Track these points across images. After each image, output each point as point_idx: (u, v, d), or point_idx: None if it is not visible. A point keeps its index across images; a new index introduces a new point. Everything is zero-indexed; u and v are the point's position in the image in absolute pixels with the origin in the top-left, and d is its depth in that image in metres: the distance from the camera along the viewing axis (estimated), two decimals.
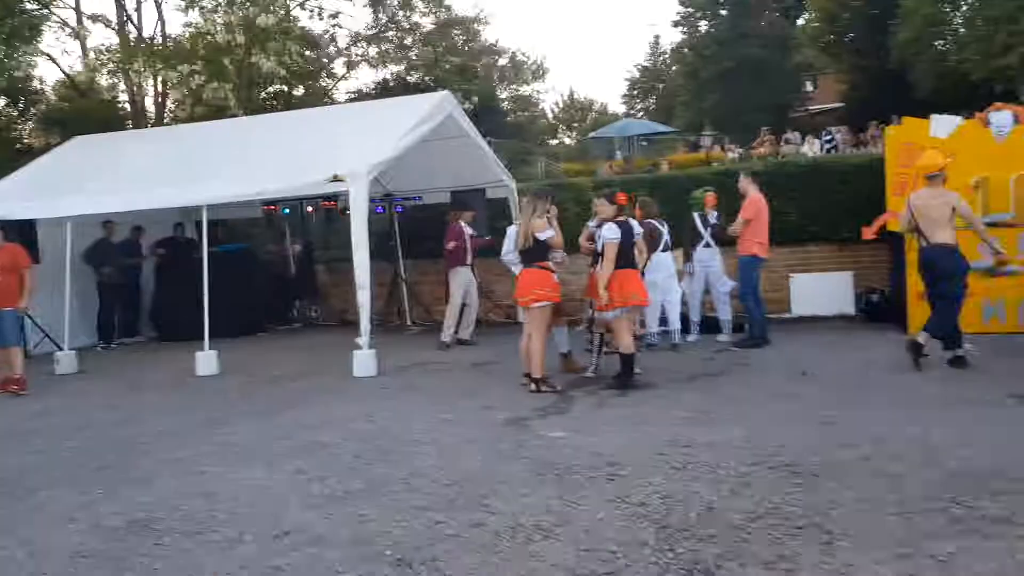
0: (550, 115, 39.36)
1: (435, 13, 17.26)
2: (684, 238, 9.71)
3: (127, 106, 15.07)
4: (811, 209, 11.31)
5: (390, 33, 16.93)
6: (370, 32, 17.19)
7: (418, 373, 8.81)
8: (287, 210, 13.00)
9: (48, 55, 13.91)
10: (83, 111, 13.92)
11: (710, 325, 9.87)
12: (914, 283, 8.72)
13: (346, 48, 16.98)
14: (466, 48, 17.19)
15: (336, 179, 8.79)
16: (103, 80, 14.28)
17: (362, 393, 7.91)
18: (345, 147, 9.38)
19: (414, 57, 16.61)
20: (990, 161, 9.19)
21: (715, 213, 9.69)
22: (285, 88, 16.47)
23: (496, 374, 8.49)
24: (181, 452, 5.96)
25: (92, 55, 12.52)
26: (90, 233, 11.80)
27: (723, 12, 31.71)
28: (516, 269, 7.88)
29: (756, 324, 9.22)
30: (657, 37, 45.97)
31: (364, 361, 8.69)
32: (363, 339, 8.71)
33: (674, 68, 43.06)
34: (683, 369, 8.09)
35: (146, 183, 10.19)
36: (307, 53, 14.57)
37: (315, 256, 13.82)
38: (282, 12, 12.58)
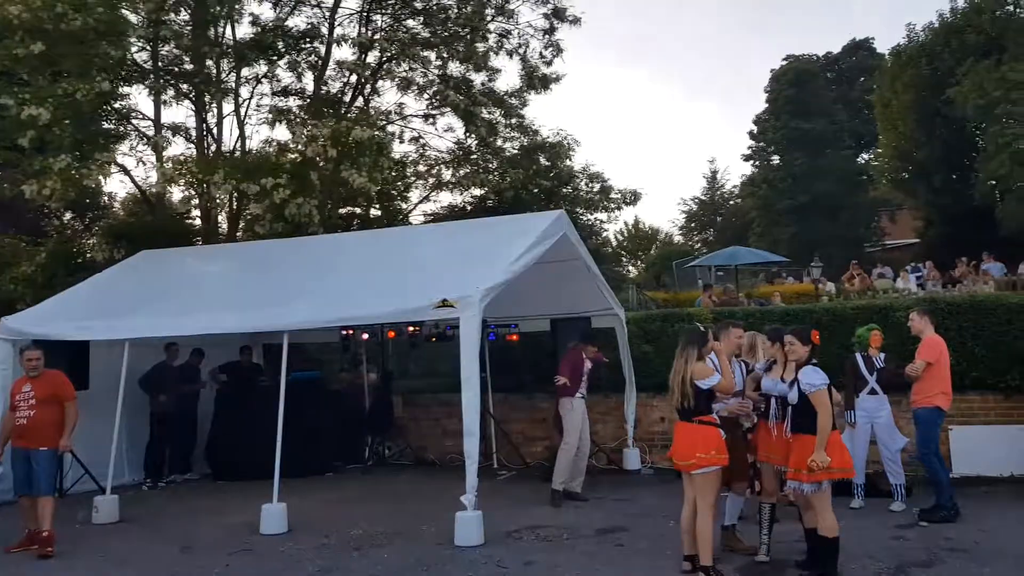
0: (614, 242, 38.70)
1: (522, 138, 16.56)
2: (846, 383, 8.19)
3: (199, 222, 14.28)
4: (970, 352, 9.75)
5: (474, 156, 16.15)
6: (453, 156, 16.44)
7: (534, 543, 7.20)
8: (366, 335, 11.78)
9: (122, 166, 13.19)
10: (152, 226, 13.08)
11: (869, 488, 8.26)
12: None
13: (428, 170, 16.20)
14: (552, 173, 16.26)
15: (445, 304, 7.53)
16: (177, 193, 13.56)
17: (474, 572, 6.33)
18: (453, 269, 8.18)
19: (497, 180, 15.71)
20: None
21: (881, 355, 8.21)
22: (359, 210, 15.68)
23: (634, 548, 6.85)
24: None
25: (169, 164, 11.67)
26: (147, 356, 10.64)
27: (796, 148, 31.11)
28: None
29: (945, 490, 7.53)
30: (715, 172, 45.65)
31: (469, 526, 7.13)
32: (469, 498, 7.18)
33: (736, 201, 42.55)
34: (874, 553, 6.39)
35: (220, 304, 9.05)
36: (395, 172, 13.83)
37: (392, 386, 12.46)
38: (377, 130, 11.83)
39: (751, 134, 34.93)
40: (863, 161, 33.87)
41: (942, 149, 30.03)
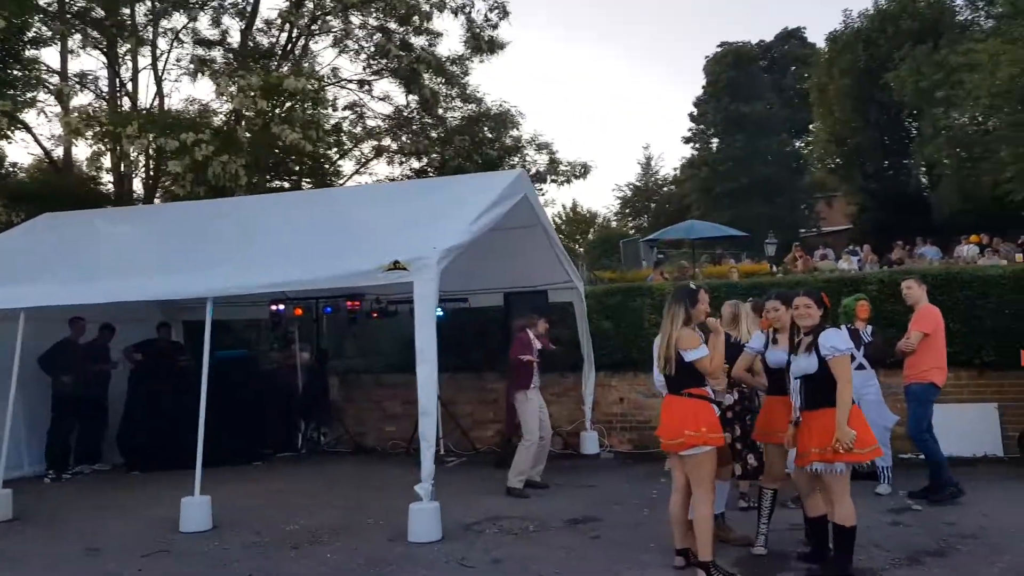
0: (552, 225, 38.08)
1: (465, 107, 15.60)
2: None
3: (111, 186, 12.87)
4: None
5: (415, 126, 15.11)
6: (392, 122, 15.35)
7: (498, 537, 6.35)
8: (298, 310, 10.71)
9: (23, 123, 11.71)
10: (57, 188, 11.68)
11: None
12: None
13: (366, 135, 15.04)
14: (496, 144, 15.34)
15: (396, 267, 6.59)
16: (85, 148, 12.08)
17: (435, 574, 5.45)
18: (404, 230, 7.24)
19: (439, 151, 14.74)
20: None
21: (869, 327, 7.64)
22: (292, 176, 14.48)
23: (612, 540, 6.08)
24: None
25: (75, 115, 10.33)
26: (49, 332, 9.39)
27: (738, 131, 30.90)
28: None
29: (944, 469, 6.98)
30: (649, 158, 45.40)
31: (425, 519, 6.24)
32: (425, 487, 6.28)
33: (671, 188, 42.38)
34: (879, 541, 5.75)
35: (132, 269, 7.89)
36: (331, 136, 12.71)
37: (328, 367, 11.41)
38: (313, 80, 10.69)
39: (692, 116, 34.64)
40: (800, 146, 33.94)
41: (877, 135, 30.31)
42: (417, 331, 6.51)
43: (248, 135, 10.55)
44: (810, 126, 33.73)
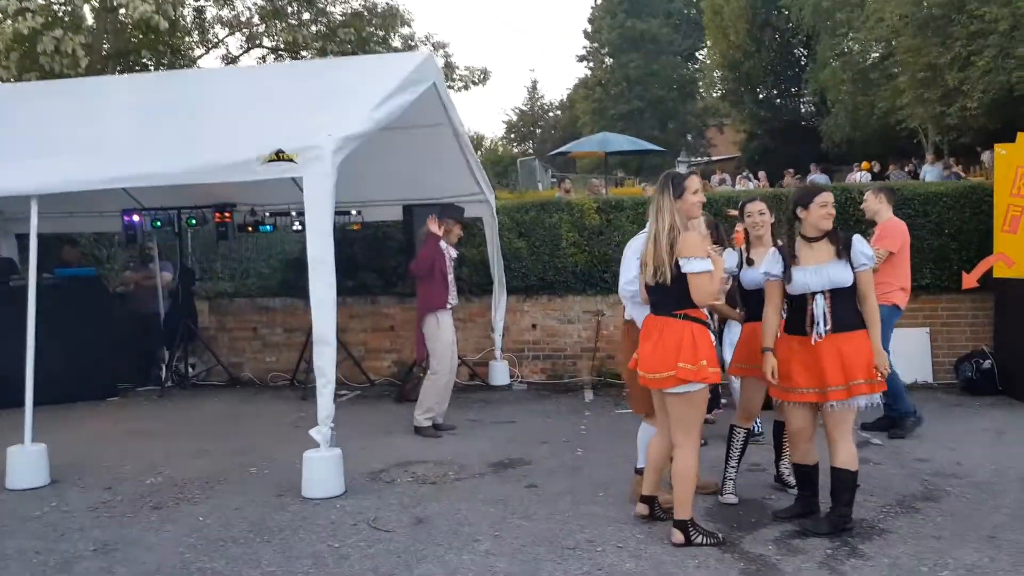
0: None
1: (350, 1, 13.88)
2: None
3: None
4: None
5: (291, 11, 13.28)
6: (264, 9, 13.45)
7: (413, 487, 5.25)
8: (158, 222, 9.06)
9: None
10: None
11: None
12: None
13: (234, 20, 13.09)
14: (385, 44, 13.73)
15: (280, 158, 5.22)
16: None
17: (341, 541, 4.30)
18: (290, 116, 5.82)
19: (319, 47, 13.05)
20: None
21: None
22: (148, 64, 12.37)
23: (550, 490, 5.09)
24: None
25: None
26: None
27: (633, 51, 29.93)
28: (635, 312, 4.52)
29: (900, 399, 6.34)
30: (535, 82, 44.26)
31: (324, 470, 5.05)
32: (323, 431, 5.06)
33: (556, 114, 41.36)
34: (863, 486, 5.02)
35: None
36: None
37: (195, 289, 9.83)
38: None
39: (586, 33, 33.36)
40: (694, 68, 33.40)
41: (770, 61, 30.11)
42: (309, 240, 5.21)
43: (89, 5, 8.62)
44: (703, 49, 33.19)
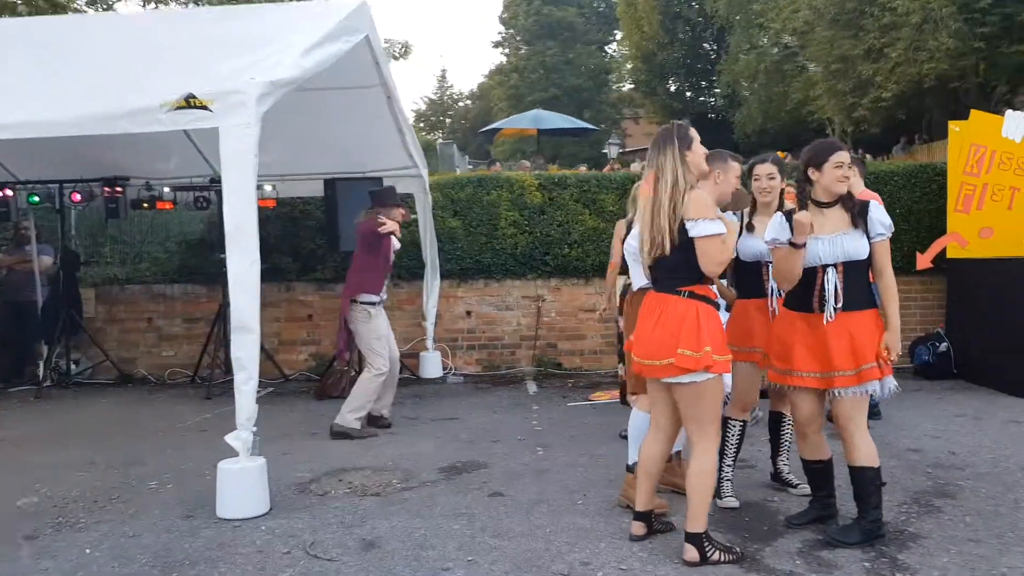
0: None
1: None
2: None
3: None
4: None
5: None
6: None
7: (354, 501, 4.39)
8: (35, 197, 7.83)
9: None
10: None
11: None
12: None
13: None
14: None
15: (191, 104, 4.28)
16: None
17: (272, 574, 3.44)
18: (205, 61, 4.85)
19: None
20: None
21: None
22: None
23: (519, 499, 4.33)
24: None
25: None
26: None
27: (549, 38, 29.43)
28: (636, 280, 3.78)
29: None
30: (444, 71, 43.39)
31: (244, 484, 4.14)
32: (243, 436, 4.16)
33: (466, 103, 40.57)
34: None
35: None
36: None
37: (79, 275, 8.62)
38: None
39: (502, 19, 32.65)
40: (610, 56, 33.17)
41: (682, 53, 30.13)
42: (227, 204, 4.29)
43: None
44: (616, 41, 33.04)
